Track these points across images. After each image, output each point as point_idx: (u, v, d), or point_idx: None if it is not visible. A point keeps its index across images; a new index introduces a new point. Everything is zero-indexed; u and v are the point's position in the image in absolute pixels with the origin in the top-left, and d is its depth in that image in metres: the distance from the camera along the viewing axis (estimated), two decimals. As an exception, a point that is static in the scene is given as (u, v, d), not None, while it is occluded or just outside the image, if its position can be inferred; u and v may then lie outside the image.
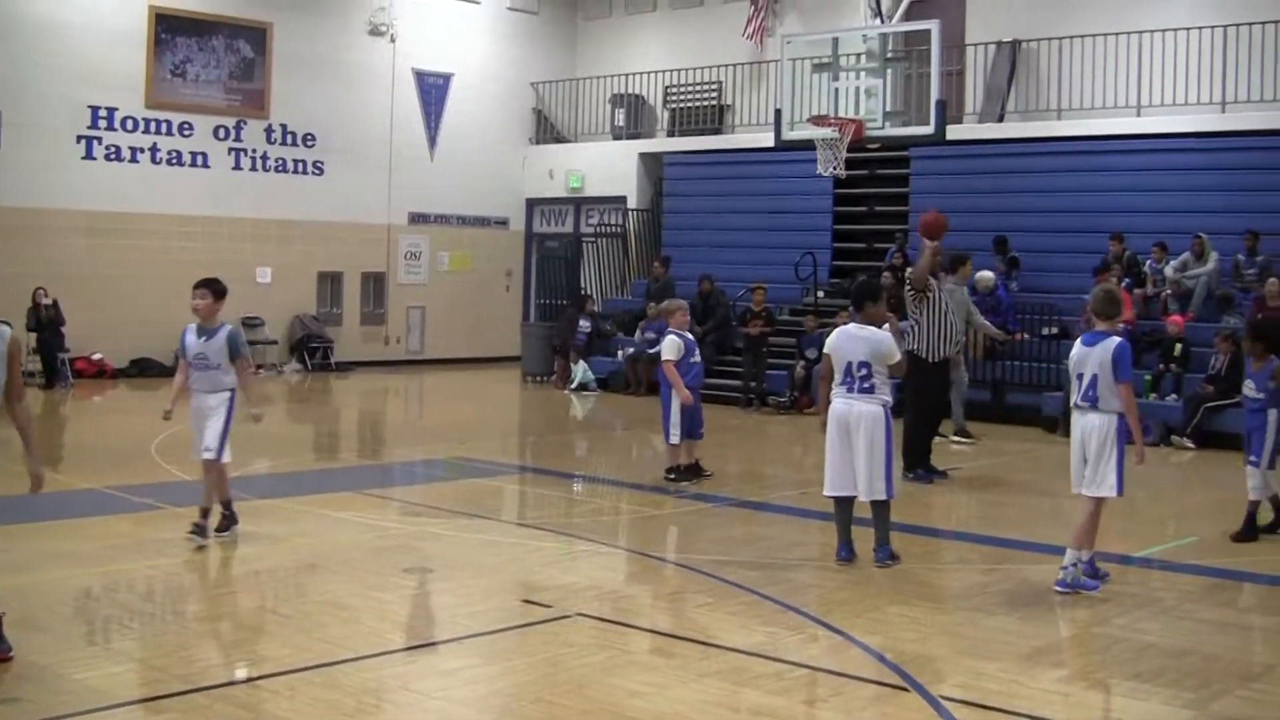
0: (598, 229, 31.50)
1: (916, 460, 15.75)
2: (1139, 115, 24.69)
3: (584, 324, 27.39)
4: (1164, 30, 24.16)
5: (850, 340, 10.87)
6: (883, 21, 22.67)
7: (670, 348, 14.98)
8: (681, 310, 15.60)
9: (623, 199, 31.43)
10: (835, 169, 21.03)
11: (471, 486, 15.15)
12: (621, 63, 32.51)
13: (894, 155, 26.41)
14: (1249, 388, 12.40)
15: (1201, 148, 23.73)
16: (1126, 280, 22.17)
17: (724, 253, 28.22)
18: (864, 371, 10.74)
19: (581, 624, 8.92)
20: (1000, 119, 26.27)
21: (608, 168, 31.70)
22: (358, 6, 29.94)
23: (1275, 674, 8.19)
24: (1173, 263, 22.37)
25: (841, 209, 27.95)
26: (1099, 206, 24.28)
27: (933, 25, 20.93)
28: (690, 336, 15.37)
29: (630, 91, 31.92)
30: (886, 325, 11.17)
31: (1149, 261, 22.77)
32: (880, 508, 10.90)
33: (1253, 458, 12.25)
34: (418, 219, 31.46)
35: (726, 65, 30.35)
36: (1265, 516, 12.40)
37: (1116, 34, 24.73)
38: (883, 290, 11.56)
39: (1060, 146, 25.14)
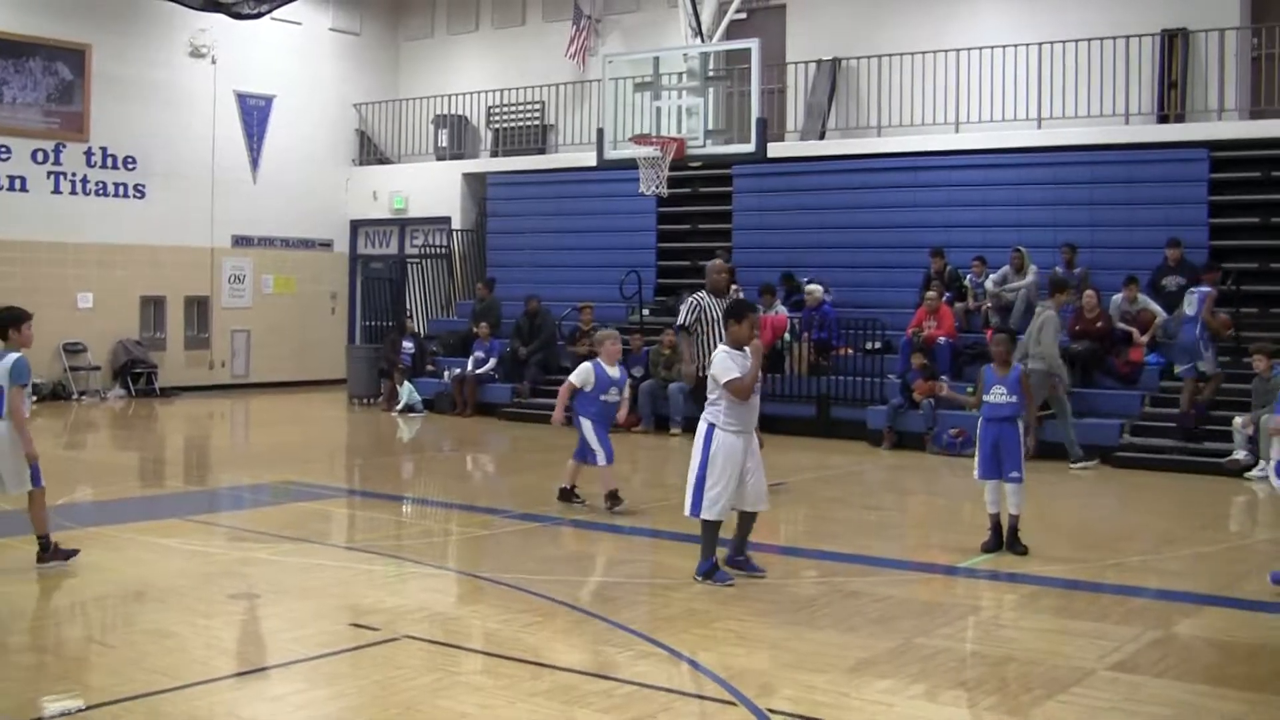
0: (422, 250, 31.34)
1: None
2: (958, 131, 25.17)
3: (407, 345, 27.24)
4: (981, 48, 24.69)
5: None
6: (703, 41, 22.75)
7: (578, 374, 14.56)
8: (611, 340, 14.86)
9: (447, 220, 31.34)
10: (657, 188, 21.10)
11: (299, 510, 14.97)
12: (444, 83, 32.44)
13: (716, 173, 26.59)
14: (999, 394, 12.34)
15: (1019, 163, 24.23)
16: (948, 294, 22.55)
17: (549, 272, 28.25)
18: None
19: (410, 646, 8.84)
20: (821, 136, 26.60)
21: (432, 188, 31.57)
22: (178, 28, 29.45)
23: (1093, 679, 8.36)
24: (993, 276, 22.79)
25: (665, 227, 28.11)
26: (920, 222, 24.68)
27: (753, 44, 21.09)
28: (612, 373, 14.61)
29: (453, 112, 31.83)
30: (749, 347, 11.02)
31: (969, 275, 23.20)
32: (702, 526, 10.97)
33: (1015, 474, 12.21)
34: (241, 241, 31.03)
35: (549, 85, 30.42)
36: (974, 525, 12.57)
37: (935, 52, 25.21)
38: (746, 311, 11.33)
39: (881, 163, 25.50)
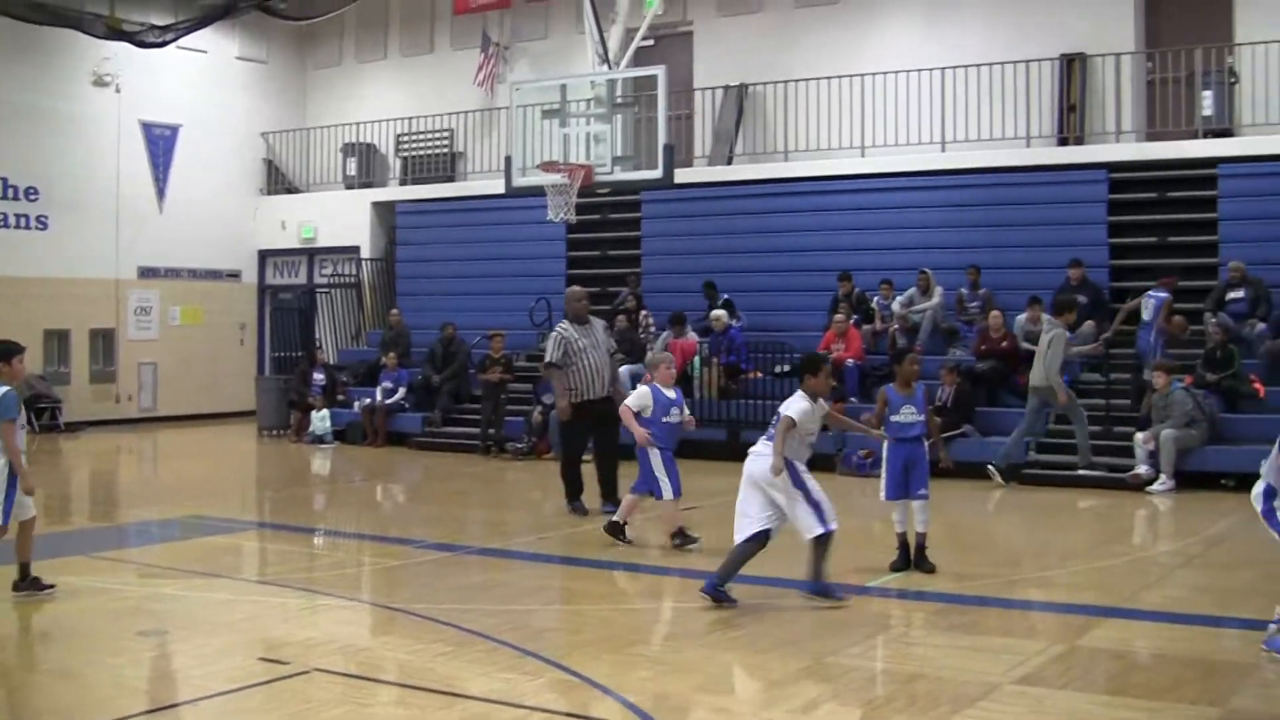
0: (331, 279, 31.25)
1: (573, 493, 16.52)
2: (863, 156, 25.41)
3: (318, 376, 27.13)
4: (885, 73, 24.96)
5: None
6: (610, 68, 22.82)
7: (636, 399, 13.95)
8: (666, 364, 14.26)
9: (356, 249, 31.25)
10: (566, 215, 21.17)
11: (208, 545, 14.86)
12: (353, 111, 32.37)
13: (625, 199, 26.73)
14: (909, 414, 12.48)
15: (924, 186, 24.55)
16: (855, 316, 22.75)
17: (459, 300, 28.24)
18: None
19: (321, 679, 8.83)
20: (729, 161, 26.79)
21: (340, 217, 31.47)
22: (81, 57, 29.15)
23: (1000, 693, 8.49)
24: (899, 298, 23.05)
25: (575, 254, 28.17)
26: (827, 245, 24.90)
27: (660, 71, 21.21)
28: (669, 394, 14.00)
29: (362, 140, 31.77)
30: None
31: (876, 298, 23.42)
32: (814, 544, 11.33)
33: (922, 491, 12.40)
34: (147, 273, 30.78)
35: (457, 113, 30.45)
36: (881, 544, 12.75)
37: (840, 77, 25.44)
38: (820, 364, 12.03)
39: (788, 187, 25.73)
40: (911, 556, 12.55)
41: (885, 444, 12.62)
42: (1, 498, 11.07)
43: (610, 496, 16.19)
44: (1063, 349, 19.17)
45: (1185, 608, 11.21)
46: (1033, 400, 19.49)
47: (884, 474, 12.58)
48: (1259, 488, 9.78)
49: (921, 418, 12.50)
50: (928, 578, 12.21)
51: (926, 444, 12.57)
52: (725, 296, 24.53)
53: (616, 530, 14.12)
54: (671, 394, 14.02)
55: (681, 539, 13.83)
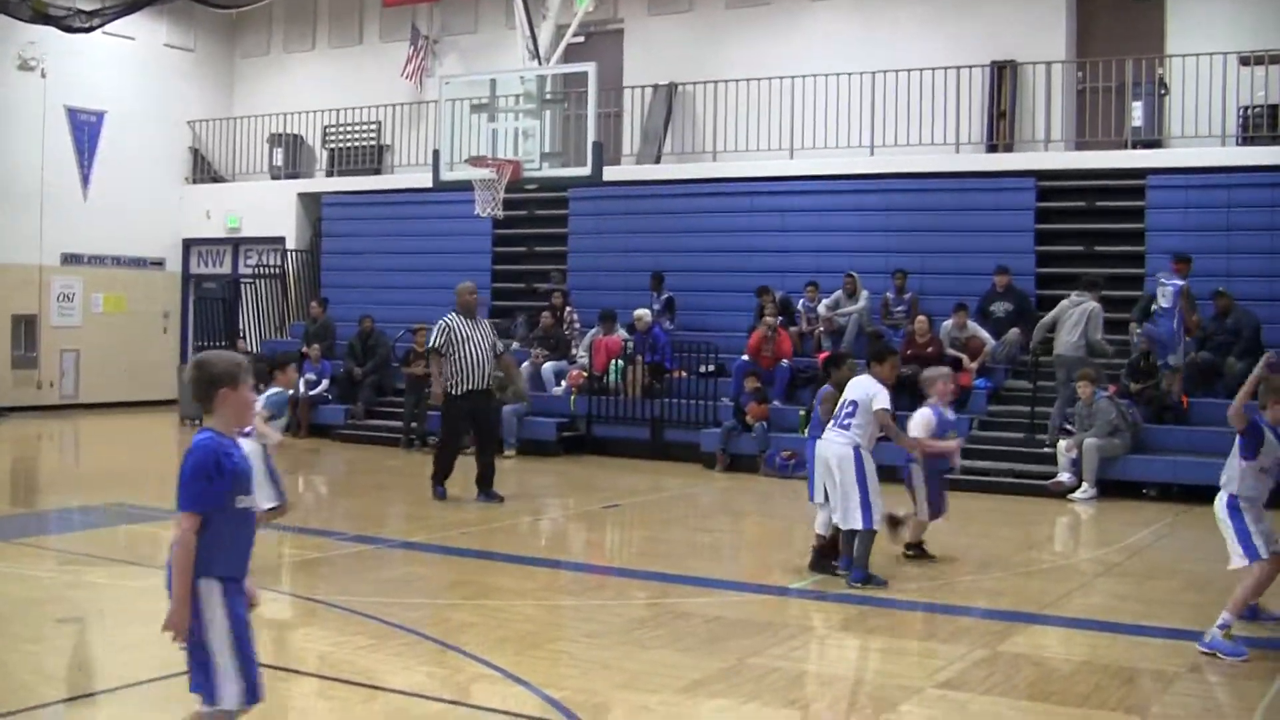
0: (256, 270, 30.98)
1: (440, 475, 17.12)
2: (792, 158, 25.44)
3: (241, 366, 26.83)
4: (816, 75, 24.98)
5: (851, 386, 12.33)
6: (540, 63, 22.80)
7: (919, 423, 13.30)
8: (944, 380, 13.71)
9: (281, 239, 31.00)
10: (493, 210, 21.10)
11: (129, 533, 14.73)
12: (280, 101, 32.05)
13: (552, 196, 26.68)
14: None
15: (852, 189, 24.61)
16: (780, 318, 22.77)
17: (384, 293, 28.09)
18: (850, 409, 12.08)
19: (240, 672, 8.72)
20: (657, 160, 26.75)
21: (266, 208, 31.19)
22: (6, 41, 28.66)
23: (922, 696, 8.49)
24: (825, 301, 23.10)
25: (501, 249, 28.11)
26: (754, 246, 24.93)
27: (590, 68, 21.20)
28: (948, 416, 13.64)
29: (289, 131, 31.51)
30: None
31: (802, 300, 23.46)
32: (853, 535, 12.04)
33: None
34: (71, 260, 30.35)
35: (386, 105, 30.25)
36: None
37: (771, 78, 25.47)
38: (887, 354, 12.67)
39: (716, 188, 25.73)
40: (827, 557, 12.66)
41: (810, 445, 12.75)
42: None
43: (486, 488, 16.75)
44: (1101, 322, 19.62)
45: (1106, 615, 11.26)
46: (1060, 373, 19.75)
47: (811, 474, 12.71)
48: (1222, 500, 10.17)
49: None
50: (847, 580, 12.21)
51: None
52: (669, 295, 24.53)
53: (919, 552, 13.56)
54: (950, 415, 13.73)
55: (917, 552, 13.47)
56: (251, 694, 6.00)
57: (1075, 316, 19.57)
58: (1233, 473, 10.15)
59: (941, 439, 13.27)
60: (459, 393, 16.72)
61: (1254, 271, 21.13)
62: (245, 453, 6.23)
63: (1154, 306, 20.02)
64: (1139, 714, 8.31)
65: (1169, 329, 19.78)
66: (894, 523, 13.25)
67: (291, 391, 12.91)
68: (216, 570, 5.97)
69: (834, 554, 12.52)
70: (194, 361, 6.18)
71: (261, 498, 11.34)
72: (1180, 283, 19.84)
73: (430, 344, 17.09)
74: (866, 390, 12.15)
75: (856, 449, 11.97)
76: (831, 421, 12.27)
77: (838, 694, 8.62)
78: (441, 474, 17.16)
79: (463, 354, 16.56)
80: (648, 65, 27.56)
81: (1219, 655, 9.72)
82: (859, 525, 11.95)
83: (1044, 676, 9.22)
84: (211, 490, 5.88)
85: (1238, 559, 10.08)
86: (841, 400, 12.31)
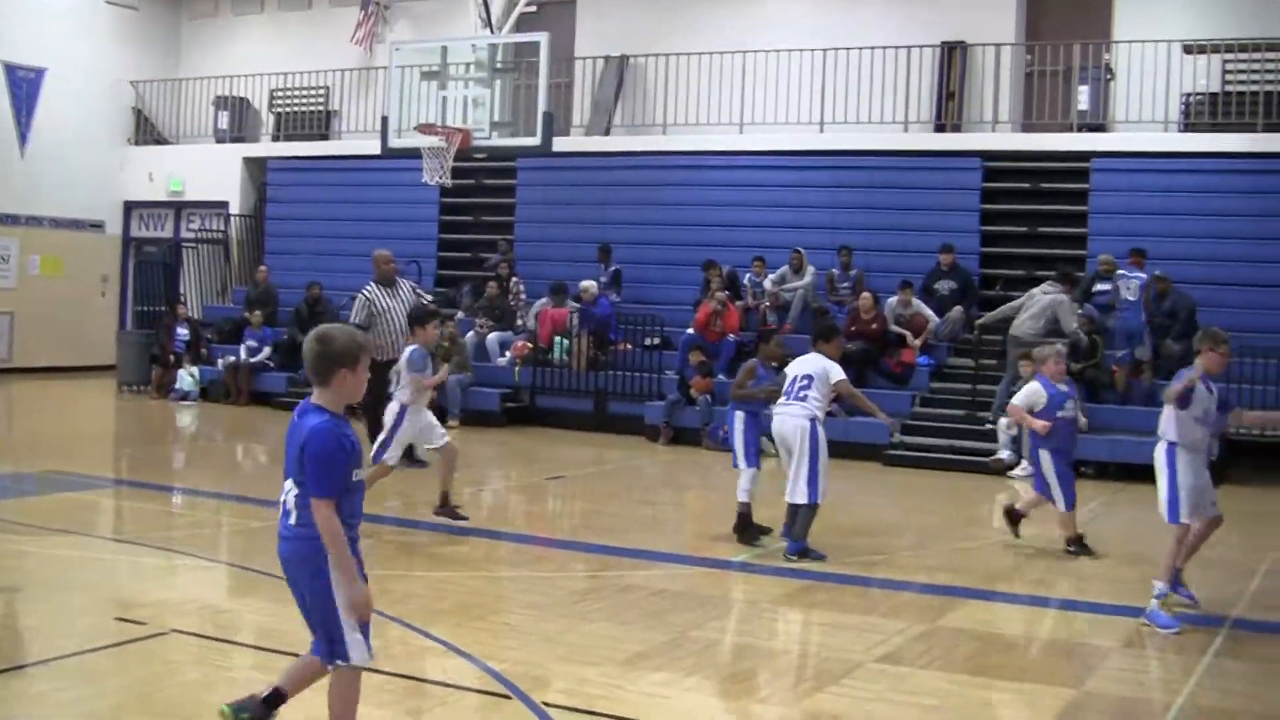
0: (198, 234, 30.75)
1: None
2: (742, 132, 25.47)
3: (181, 332, 26.72)
4: (767, 51, 24.99)
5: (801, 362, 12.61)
6: (492, 32, 22.73)
7: (1024, 395, 13.07)
8: (1055, 357, 13.23)
9: (225, 204, 30.77)
10: (441, 178, 21.02)
11: (65, 501, 14.53)
12: (226, 64, 31.74)
13: (501, 165, 26.61)
14: (774, 384, 12.91)
15: (800, 165, 24.70)
16: (726, 292, 22.79)
17: (329, 260, 27.90)
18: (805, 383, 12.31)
19: (178, 641, 8.67)
20: (607, 132, 26.72)
21: (210, 171, 30.89)
22: (-58, -4, 28.40)
23: (862, 670, 8.53)
24: (771, 276, 23.14)
25: (447, 218, 28.04)
26: (702, 220, 24.96)
27: (542, 38, 21.14)
28: (1061, 388, 13.04)
29: (235, 94, 31.24)
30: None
31: (748, 275, 23.49)
32: (799, 509, 12.19)
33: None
34: (7, 220, 29.90)
35: (334, 70, 30.04)
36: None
37: (722, 53, 25.46)
38: (834, 331, 13.07)
39: (665, 161, 25.74)
40: (736, 524, 12.98)
41: (739, 416, 12.96)
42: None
43: (410, 452, 16.54)
44: (1072, 314, 19.81)
45: (1043, 591, 11.41)
46: (1012, 353, 19.75)
47: (740, 443, 12.90)
48: (1161, 448, 10.43)
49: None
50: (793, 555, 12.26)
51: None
52: (616, 268, 24.53)
53: (1082, 547, 13.05)
54: (1064, 387, 13.14)
55: (1078, 548, 12.97)
56: (371, 650, 6.25)
57: (1045, 304, 19.70)
58: (1169, 422, 10.40)
59: (1060, 412, 12.84)
60: (383, 360, 16.36)
61: (1192, 255, 21.33)
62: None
63: (1119, 299, 20.19)
64: (1075, 687, 8.39)
65: (1136, 321, 19.96)
66: (1015, 517, 13.32)
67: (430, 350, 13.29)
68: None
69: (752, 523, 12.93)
70: (316, 335, 6.18)
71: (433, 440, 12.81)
72: (1144, 276, 20.03)
73: (353, 320, 16.84)
74: (821, 364, 12.37)
75: (813, 421, 12.15)
76: (785, 396, 12.41)
77: (779, 667, 8.66)
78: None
79: (384, 324, 16.55)
80: (599, 37, 27.49)
81: (1155, 627, 9.90)
82: (803, 500, 12.09)
83: (982, 650, 9.30)
84: (338, 472, 6.03)
85: (1164, 516, 10.37)
86: (792, 375, 12.48)
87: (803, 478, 12.09)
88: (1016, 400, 13.07)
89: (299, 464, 6.08)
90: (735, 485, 12.73)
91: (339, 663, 6.19)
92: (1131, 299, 20.06)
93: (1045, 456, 12.88)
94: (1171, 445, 10.32)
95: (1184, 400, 10.20)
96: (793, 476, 12.18)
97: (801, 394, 12.30)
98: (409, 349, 12.90)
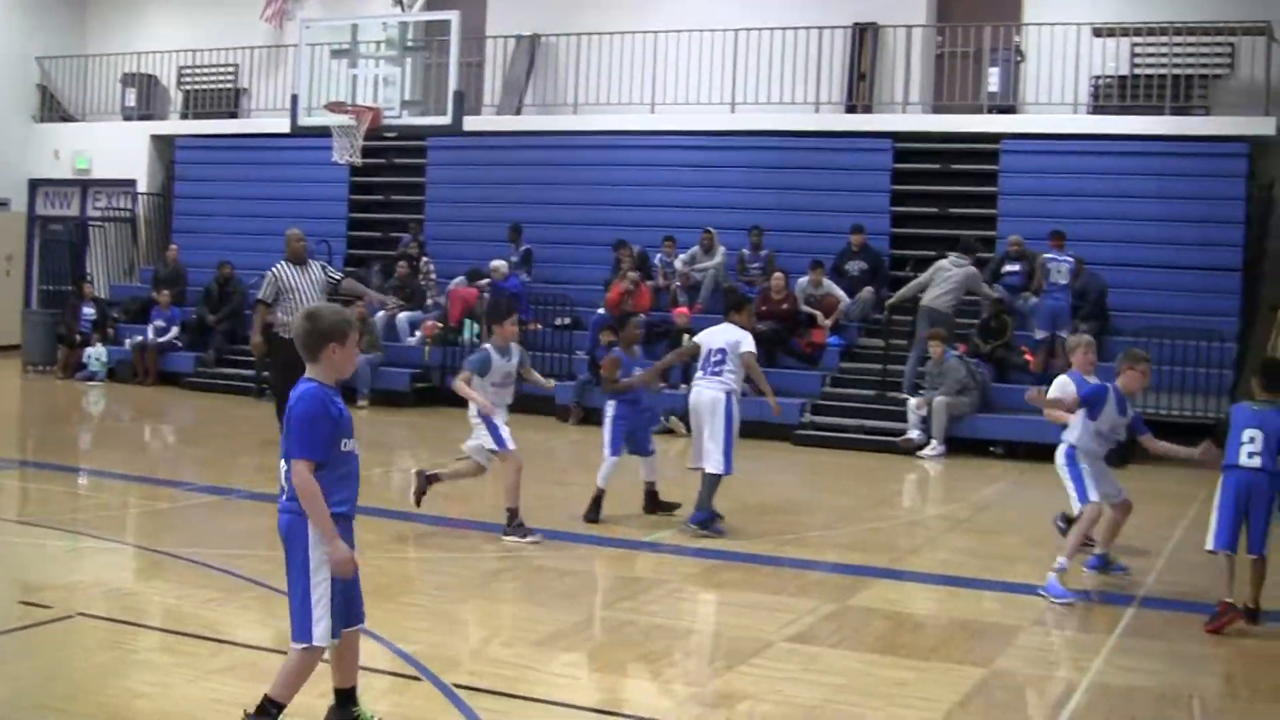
0: (105, 213, 30.39)
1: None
2: (653, 112, 25.46)
3: (87, 311, 26.43)
4: (679, 31, 24.98)
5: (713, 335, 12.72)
6: (403, 10, 22.62)
7: (1056, 386, 11.88)
8: (1085, 348, 11.92)
9: (132, 182, 30.37)
10: (351, 157, 20.91)
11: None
12: (134, 41, 31.34)
13: (411, 145, 26.46)
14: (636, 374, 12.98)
15: (712, 145, 24.74)
16: (638, 272, 22.80)
17: (239, 239, 27.64)
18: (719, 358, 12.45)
19: (85, 624, 8.57)
20: (518, 112, 26.64)
21: (117, 149, 30.46)
22: None
23: (773, 650, 8.57)
24: (682, 256, 23.17)
25: (357, 197, 27.88)
26: (613, 200, 24.97)
27: (453, 16, 21.05)
28: (1092, 380, 11.54)
29: (143, 71, 30.85)
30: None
31: (659, 255, 23.51)
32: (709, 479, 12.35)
33: (651, 449, 13.22)
34: (-91, 198, 29.55)
35: (243, 48, 29.72)
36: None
37: (633, 33, 25.41)
38: (745, 300, 13.45)
39: (576, 140, 25.71)
40: (645, 504, 13.20)
41: (611, 405, 13.01)
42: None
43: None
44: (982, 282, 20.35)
45: (953, 570, 11.47)
46: (922, 325, 20.09)
47: (608, 432, 12.98)
48: (1062, 450, 10.78)
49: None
50: (702, 534, 12.28)
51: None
52: (527, 247, 24.47)
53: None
54: (1093, 379, 11.74)
55: (1067, 525, 11.85)
56: (336, 631, 6.33)
57: (960, 278, 19.89)
58: (1074, 428, 10.70)
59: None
60: (289, 338, 16.68)
61: (1101, 236, 21.53)
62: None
63: (1048, 282, 20.31)
64: (984, 666, 8.46)
65: (1064, 304, 20.10)
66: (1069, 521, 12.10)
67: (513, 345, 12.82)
68: (329, 509, 6.26)
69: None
70: (305, 314, 6.49)
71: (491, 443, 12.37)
72: (1071, 259, 20.20)
73: (260, 296, 17.16)
74: (732, 336, 12.50)
75: (729, 395, 12.31)
76: (700, 370, 12.55)
77: (690, 647, 8.69)
78: None
79: (290, 301, 16.58)
80: (511, 15, 27.35)
81: (1049, 598, 10.13)
82: (717, 469, 12.24)
83: (892, 630, 9.36)
84: (320, 435, 6.23)
85: (1076, 504, 10.66)
86: (705, 349, 12.58)
87: (718, 448, 12.22)
88: (1051, 393, 11.67)
89: (286, 433, 6.30)
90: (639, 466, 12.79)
91: (299, 643, 6.29)
92: (1063, 282, 20.19)
93: (1060, 453, 11.49)
94: (1071, 449, 10.59)
95: (1094, 410, 10.44)
96: (706, 447, 12.31)
97: (716, 368, 12.42)
98: (485, 346, 12.52)
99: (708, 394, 12.40)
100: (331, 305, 6.65)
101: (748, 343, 12.52)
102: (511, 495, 11.99)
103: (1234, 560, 9.66)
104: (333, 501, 6.26)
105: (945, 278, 20.01)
